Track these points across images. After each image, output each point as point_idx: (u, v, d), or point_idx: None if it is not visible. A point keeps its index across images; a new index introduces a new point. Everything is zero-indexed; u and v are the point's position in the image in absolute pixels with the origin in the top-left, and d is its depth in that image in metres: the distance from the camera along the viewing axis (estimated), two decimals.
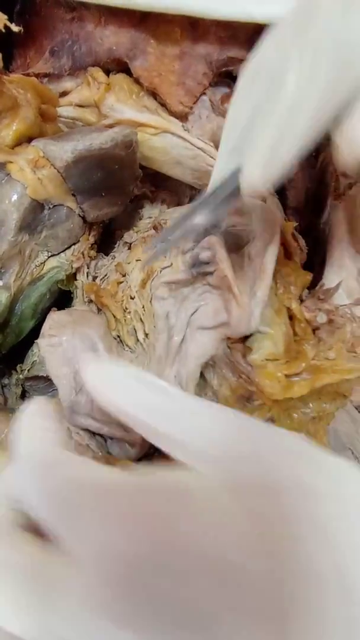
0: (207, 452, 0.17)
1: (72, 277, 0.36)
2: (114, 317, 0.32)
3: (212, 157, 0.37)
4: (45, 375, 0.34)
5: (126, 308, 0.32)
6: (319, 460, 0.16)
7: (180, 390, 0.21)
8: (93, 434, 0.31)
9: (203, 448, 0.17)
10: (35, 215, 0.32)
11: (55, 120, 0.35)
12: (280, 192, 0.40)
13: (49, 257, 0.34)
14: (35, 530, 0.17)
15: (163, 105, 0.37)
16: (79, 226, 0.34)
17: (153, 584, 0.14)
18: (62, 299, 0.37)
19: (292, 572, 0.14)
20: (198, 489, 0.16)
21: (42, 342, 0.29)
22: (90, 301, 0.34)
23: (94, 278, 0.36)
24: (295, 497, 0.15)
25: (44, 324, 0.31)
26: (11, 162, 0.31)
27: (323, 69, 0.19)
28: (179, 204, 0.41)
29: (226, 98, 0.37)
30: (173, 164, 0.38)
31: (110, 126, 0.35)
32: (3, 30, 0.30)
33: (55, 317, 0.31)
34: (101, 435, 0.31)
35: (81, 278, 0.36)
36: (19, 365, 0.37)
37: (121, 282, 0.34)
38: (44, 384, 0.36)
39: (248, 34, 0.35)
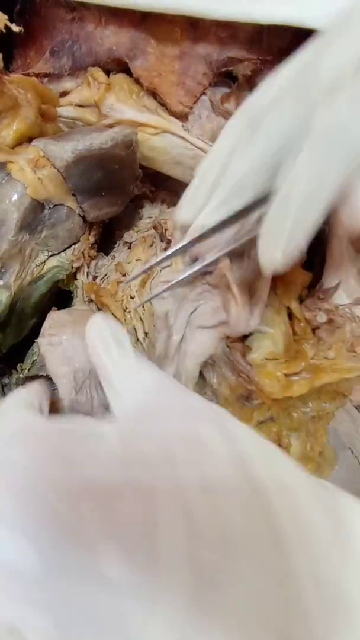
0: (128, 404, 0.21)
1: (72, 276, 0.37)
2: (114, 316, 0.33)
3: None
4: (45, 374, 0.34)
5: (126, 307, 0.33)
6: (227, 427, 0.19)
7: (140, 355, 0.23)
8: None
9: (127, 400, 0.21)
10: (35, 215, 0.32)
11: (56, 120, 0.35)
12: None
13: (49, 256, 0.34)
14: None
15: (163, 105, 0.37)
16: (79, 226, 0.35)
17: (50, 504, 0.17)
18: (62, 298, 0.37)
19: (162, 505, 0.16)
20: (102, 436, 0.19)
21: (42, 341, 0.29)
22: (91, 300, 0.34)
23: (94, 278, 0.36)
24: (184, 445, 0.18)
25: (44, 323, 0.31)
26: (11, 161, 0.31)
27: (334, 160, 0.20)
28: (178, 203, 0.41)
29: (226, 98, 0.37)
30: (173, 164, 0.38)
31: (111, 126, 0.35)
32: (3, 31, 0.30)
33: (55, 317, 0.31)
34: None
35: (81, 278, 0.36)
36: (19, 365, 0.37)
37: (121, 282, 0.34)
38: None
39: (248, 34, 0.35)
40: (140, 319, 0.32)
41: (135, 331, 0.32)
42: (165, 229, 0.33)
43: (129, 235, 0.38)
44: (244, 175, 0.22)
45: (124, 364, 0.22)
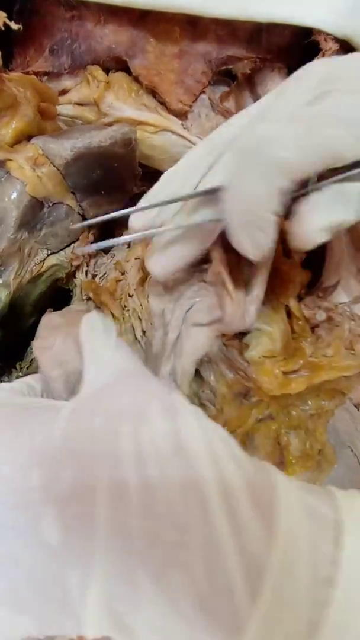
0: (93, 384, 0.22)
1: (72, 275, 0.37)
2: (112, 314, 0.33)
3: None
4: None
5: (125, 306, 0.33)
6: (175, 408, 0.19)
7: (120, 342, 0.25)
8: None
9: (94, 380, 0.22)
10: (34, 213, 0.32)
11: (55, 118, 0.35)
12: None
13: (48, 255, 0.34)
14: None
15: (162, 103, 0.37)
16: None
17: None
18: (61, 297, 0.37)
19: (100, 476, 0.18)
20: (58, 411, 0.20)
21: (34, 344, 0.29)
22: (89, 299, 0.34)
23: (94, 276, 0.36)
24: (129, 421, 0.19)
25: (39, 325, 0.31)
26: (11, 159, 0.31)
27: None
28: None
29: (225, 96, 0.37)
30: (172, 162, 0.37)
31: (110, 124, 0.35)
32: (2, 29, 0.30)
33: (48, 319, 0.31)
34: None
35: (80, 276, 0.36)
36: (18, 363, 0.37)
37: (120, 280, 0.34)
38: None
39: (247, 33, 0.35)
40: (139, 317, 0.32)
41: (134, 329, 0.32)
42: None
43: (128, 234, 0.38)
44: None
45: (102, 349, 0.24)
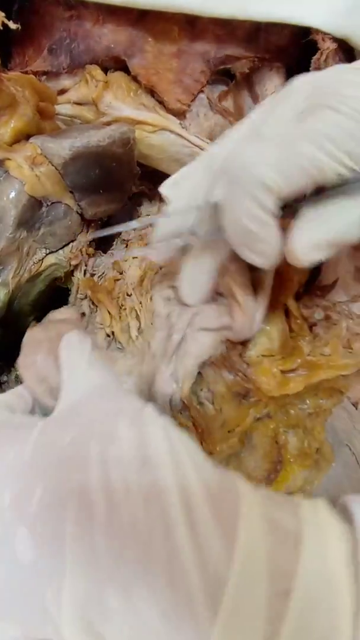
0: (67, 400, 0.23)
1: (70, 274, 0.37)
2: (109, 313, 0.33)
3: None
4: None
5: (122, 305, 0.33)
6: (146, 427, 0.20)
7: (94, 358, 0.25)
8: None
9: (68, 397, 0.23)
10: (33, 212, 0.32)
11: (54, 117, 0.36)
12: None
13: (47, 254, 0.35)
14: None
15: (161, 103, 0.37)
16: (77, 223, 0.35)
17: None
18: (60, 295, 0.37)
19: (69, 494, 0.18)
20: (32, 428, 0.21)
21: (18, 362, 0.30)
22: (85, 297, 0.34)
23: (92, 275, 0.37)
24: (98, 440, 0.19)
25: (23, 341, 0.32)
26: (9, 159, 0.31)
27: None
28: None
29: (224, 96, 0.38)
30: (171, 162, 0.38)
31: (108, 124, 0.35)
32: (1, 29, 0.30)
33: (31, 335, 0.31)
34: None
35: (77, 274, 0.36)
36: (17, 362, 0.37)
37: (118, 280, 0.34)
38: None
39: (246, 32, 0.35)
40: (137, 316, 0.32)
41: (129, 328, 0.32)
42: None
43: (126, 233, 0.38)
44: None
45: (77, 367, 0.25)
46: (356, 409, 0.36)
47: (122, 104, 0.36)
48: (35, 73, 0.36)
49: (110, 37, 0.35)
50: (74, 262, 0.35)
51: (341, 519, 0.19)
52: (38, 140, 0.31)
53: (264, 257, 0.23)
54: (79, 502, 0.18)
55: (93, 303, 0.34)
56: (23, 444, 0.20)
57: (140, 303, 0.32)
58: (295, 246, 0.22)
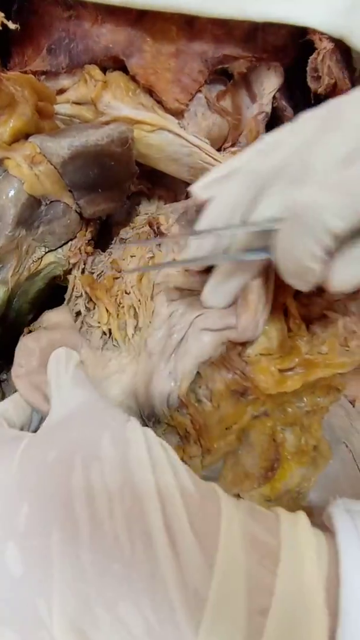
0: (53, 416, 0.24)
1: (69, 272, 0.37)
2: (107, 310, 0.33)
3: (207, 154, 0.37)
4: None
5: (120, 303, 0.33)
6: (128, 440, 0.21)
7: (78, 374, 0.27)
8: None
9: (54, 413, 0.24)
10: (32, 211, 0.32)
11: (53, 117, 0.36)
12: None
13: (46, 252, 0.35)
14: None
15: (159, 102, 0.37)
16: (75, 222, 0.35)
17: None
18: (59, 294, 0.37)
19: (53, 508, 0.19)
20: (20, 443, 0.22)
21: (12, 372, 0.31)
22: (81, 295, 0.34)
23: (91, 274, 0.37)
24: (82, 454, 0.20)
25: (16, 350, 0.32)
26: (8, 158, 0.31)
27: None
28: (175, 200, 0.42)
29: (222, 95, 0.38)
30: (169, 161, 0.38)
31: (107, 123, 0.35)
32: (0, 28, 0.30)
33: (23, 344, 0.32)
34: None
35: (75, 273, 0.36)
36: None
37: (117, 278, 0.34)
38: None
39: (243, 32, 0.35)
40: (135, 314, 0.32)
41: (126, 326, 0.32)
42: (159, 225, 0.34)
43: (124, 232, 0.38)
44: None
45: (63, 384, 0.26)
46: (353, 406, 0.36)
47: (120, 103, 0.36)
48: (35, 73, 0.36)
49: (109, 37, 0.35)
50: (73, 261, 0.36)
51: (322, 533, 0.19)
52: (37, 139, 0.32)
53: (309, 285, 0.23)
54: (64, 517, 0.19)
55: (89, 301, 0.34)
56: (10, 460, 0.21)
57: (139, 301, 0.32)
58: (334, 277, 0.23)
